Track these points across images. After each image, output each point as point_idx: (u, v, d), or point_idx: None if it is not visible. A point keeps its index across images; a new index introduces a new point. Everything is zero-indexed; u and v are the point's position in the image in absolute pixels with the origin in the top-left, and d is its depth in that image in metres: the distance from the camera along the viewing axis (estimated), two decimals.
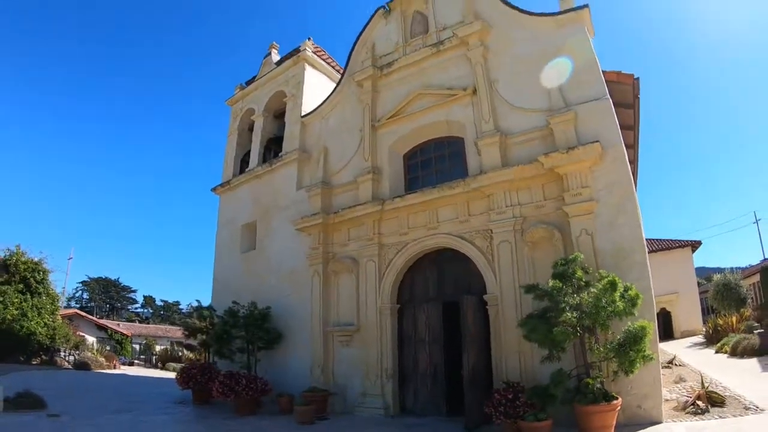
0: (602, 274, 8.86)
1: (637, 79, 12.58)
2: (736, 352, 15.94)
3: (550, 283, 8.71)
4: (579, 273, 8.90)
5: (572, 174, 10.60)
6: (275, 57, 19.42)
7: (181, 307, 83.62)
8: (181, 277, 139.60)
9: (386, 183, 14.09)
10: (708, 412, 9.12)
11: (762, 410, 8.79)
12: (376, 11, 15.89)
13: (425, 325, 12.59)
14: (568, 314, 8.20)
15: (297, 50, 18.13)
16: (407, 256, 13.00)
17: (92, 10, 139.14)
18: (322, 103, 16.61)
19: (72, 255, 47.20)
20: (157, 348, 38.81)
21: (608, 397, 8.19)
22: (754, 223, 41.78)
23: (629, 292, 8.55)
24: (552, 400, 8.51)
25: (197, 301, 17.35)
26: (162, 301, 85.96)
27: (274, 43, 19.65)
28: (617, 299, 8.29)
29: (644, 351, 8.12)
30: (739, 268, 31.22)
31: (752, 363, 14.27)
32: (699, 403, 9.43)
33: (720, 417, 8.73)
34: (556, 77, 11.82)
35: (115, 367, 26.88)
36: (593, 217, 10.21)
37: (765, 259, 33.28)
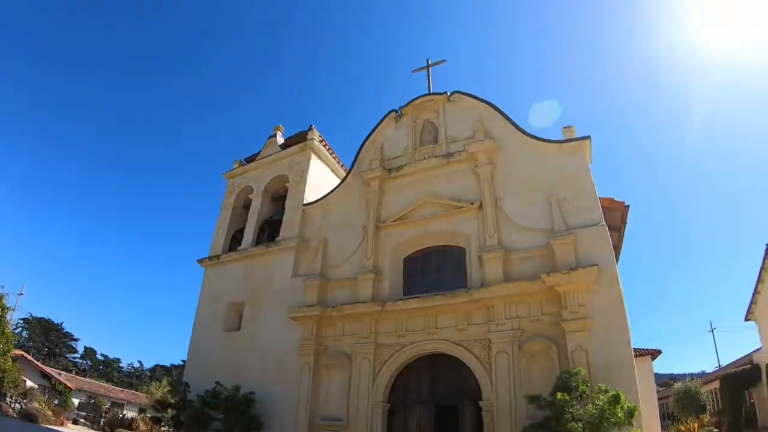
0: (601, 388, 9.41)
1: (628, 206, 13.74)
2: None
3: (558, 395, 9.20)
4: (582, 386, 9.50)
5: (571, 293, 11.39)
6: (280, 139, 19.90)
7: (121, 365, 78.89)
8: (125, 334, 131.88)
9: (386, 284, 14.39)
10: None
11: None
12: (387, 114, 16.84)
13: (416, 427, 12.65)
14: (574, 424, 8.79)
15: (303, 135, 18.72)
16: (404, 357, 13.17)
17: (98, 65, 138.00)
18: (326, 195, 17.07)
19: (23, 291, 44.40)
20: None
21: None
22: (710, 331, 43.49)
23: (627, 404, 9.10)
24: None
25: (139, 362, 16.87)
26: (102, 355, 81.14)
27: (280, 125, 20.18)
28: (619, 412, 8.85)
29: None
30: (693, 374, 32.45)
31: None
32: None
33: None
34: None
35: (62, 424, 24.78)
36: (588, 334, 10.92)
37: (720, 367, 34.73)
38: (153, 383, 16.45)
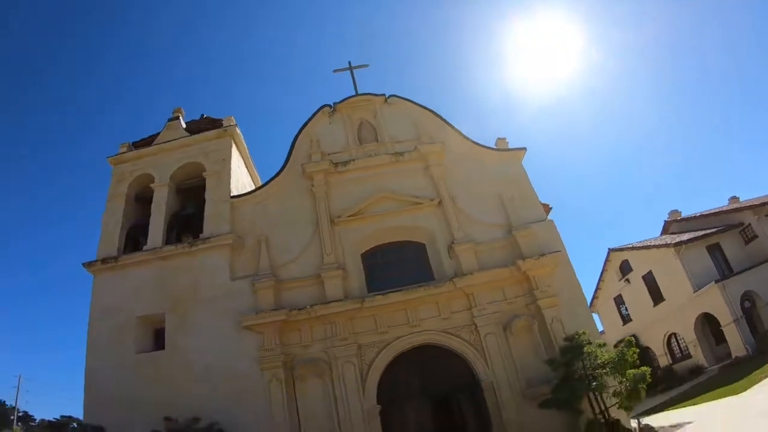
0: (600, 343, 11.46)
1: (551, 208, 16.40)
2: None
3: (585, 348, 10.99)
4: (597, 340, 11.46)
5: (539, 276, 13.26)
6: (182, 123, 16.57)
7: None
8: None
9: (353, 281, 13.69)
10: None
11: None
12: (320, 108, 16.14)
13: (415, 423, 12.53)
14: (601, 371, 10.72)
15: (211, 121, 16.10)
16: (391, 354, 12.79)
17: None
18: (258, 188, 15.26)
19: None
20: None
21: None
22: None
23: (635, 348, 11.23)
24: None
25: None
26: None
27: (180, 108, 16.68)
28: (633, 353, 11.00)
29: (645, 385, 10.73)
30: None
31: None
32: None
33: None
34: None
35: None
36: (559, 308, 12.91)
37: None
38: (17, 426, 12.04)
